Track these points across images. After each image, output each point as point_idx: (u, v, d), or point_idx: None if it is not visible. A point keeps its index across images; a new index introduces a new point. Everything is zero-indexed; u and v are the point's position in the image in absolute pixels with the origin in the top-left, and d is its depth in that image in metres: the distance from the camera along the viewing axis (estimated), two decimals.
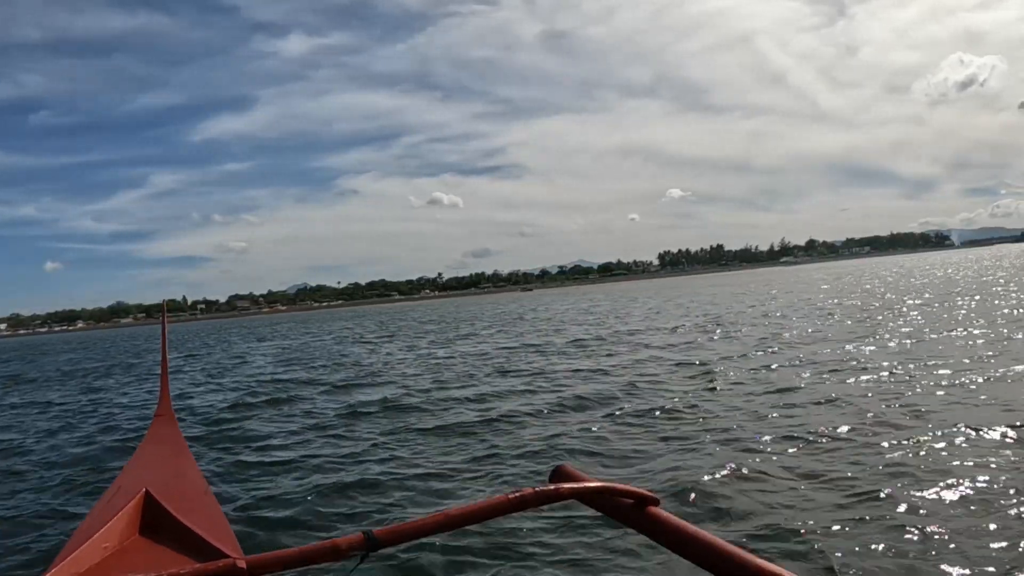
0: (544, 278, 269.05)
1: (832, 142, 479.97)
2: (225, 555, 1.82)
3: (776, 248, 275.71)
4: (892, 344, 11.62)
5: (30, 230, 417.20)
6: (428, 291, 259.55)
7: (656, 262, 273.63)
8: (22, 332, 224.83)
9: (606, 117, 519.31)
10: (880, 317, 16.95)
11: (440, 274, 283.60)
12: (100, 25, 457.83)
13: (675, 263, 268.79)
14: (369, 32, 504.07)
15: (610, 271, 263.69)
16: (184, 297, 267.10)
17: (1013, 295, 20.06)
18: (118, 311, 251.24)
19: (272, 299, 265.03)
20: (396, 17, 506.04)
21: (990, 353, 9.64)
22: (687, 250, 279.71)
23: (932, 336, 12.25)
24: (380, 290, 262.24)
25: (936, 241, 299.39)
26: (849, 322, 16.42)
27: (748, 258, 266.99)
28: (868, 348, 11.35)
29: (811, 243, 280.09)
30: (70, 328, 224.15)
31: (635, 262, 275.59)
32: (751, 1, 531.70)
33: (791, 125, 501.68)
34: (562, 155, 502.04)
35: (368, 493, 5.46)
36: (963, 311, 16.51)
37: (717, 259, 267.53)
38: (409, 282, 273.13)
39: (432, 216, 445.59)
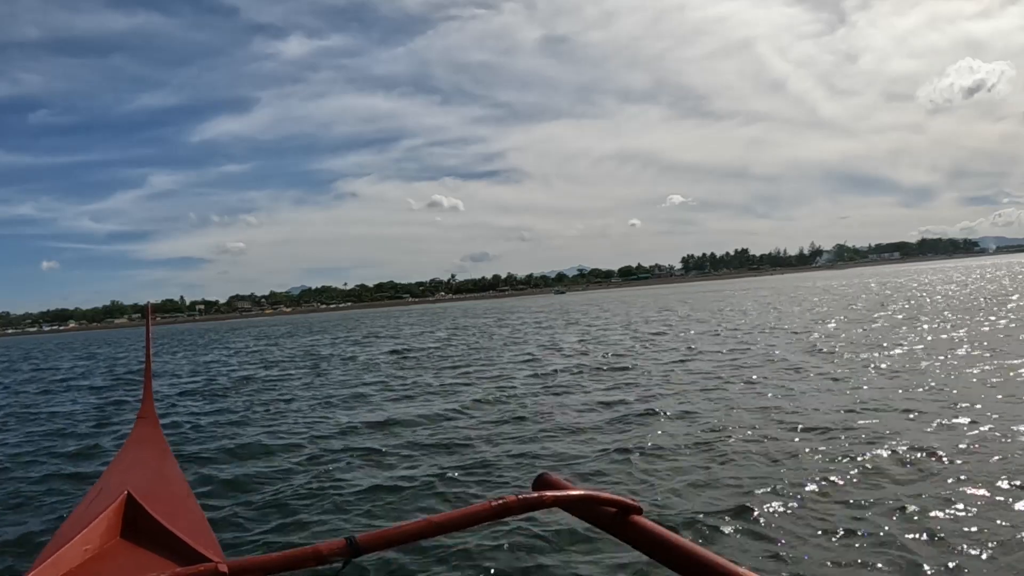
0: (563, 280, 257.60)
1: (831, 149, 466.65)
2: (207, 559, 1.81)
3: (806, 252, 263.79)
4: None
5: (28, 229, 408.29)
6: (443, 293, 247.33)
7: (679, 266, 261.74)
8: (10, 332, 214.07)
9: (605, 123, 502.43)
10: None
11: (453, 276, 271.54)
12: (99, 25, 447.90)
13: (699, 267, 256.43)
14: (368, 35, 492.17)
15: (631, 274, 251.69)
16: (182, 297, 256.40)
17: None
18: (112, 311, 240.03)
19: (275, 300, 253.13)
20: (396, 20, 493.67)
21: None
22: (712, 254, 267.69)
23: None
24: (390, 292, 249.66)
25: (965, 247, 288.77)
26: None
27: (778, 262, 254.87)
28: None
29: (841, 248, 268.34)
30: (61, 328, 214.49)
31: (657, 266, 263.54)
32: (751, 8, 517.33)
33: (790, 132, 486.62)
34: (561, 160, 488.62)
35: None
36: None
37: (745, 263, 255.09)
38: (420, 284, 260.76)
39: (431, 220, 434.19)
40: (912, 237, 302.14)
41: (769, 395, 9.26)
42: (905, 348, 12.97)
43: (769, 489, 5.22)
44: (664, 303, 48.75)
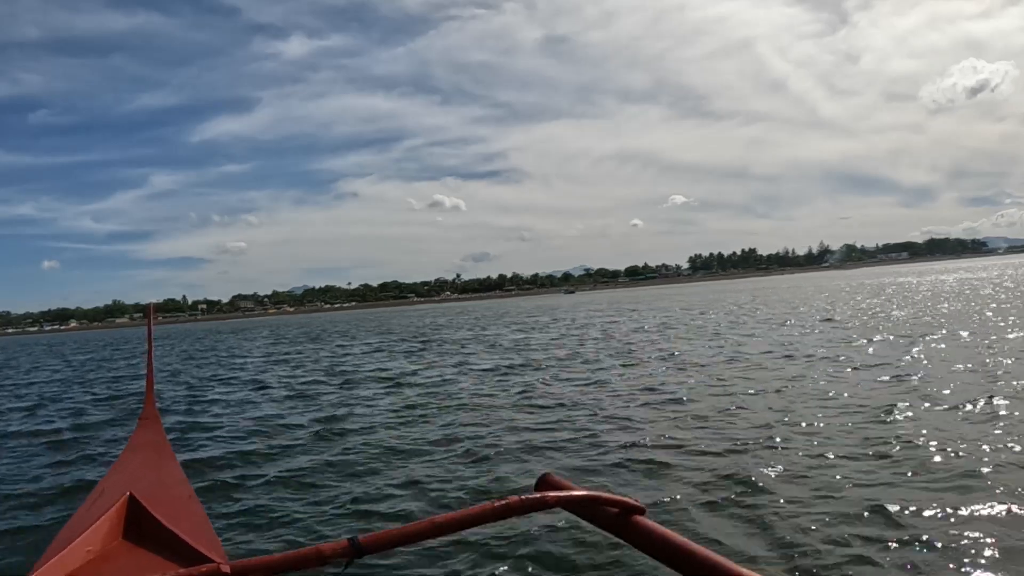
0: (569, 280, 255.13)
1: (831, 149, 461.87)
2: (209, 560, 1.81)
3: (814, 252, 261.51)
4: None
5: (28, 229, 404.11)
6: (448, 293, 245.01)
7: (686, 265, 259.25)
8: (11, 331, 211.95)
9: (605, 123, 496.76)
10: None
11: (458, 275, 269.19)
12: (99, 25, 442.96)
13: (706, 267, 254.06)
14: (369, 35, 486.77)
15: (638, 274, 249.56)
16: (184, 297, 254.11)
17: None
18: (113, 310, 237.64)
19: (278, 300, 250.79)
20: (396, 20, 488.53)
21: None
22: (719, 253, 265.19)
23: None
24: (394, 292, 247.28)
25: (974, 247, 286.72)
26: None
27: (786, 262, 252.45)
28: None
29: (849, 248, 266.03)
30: (62, 328, 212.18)
31: (664, 265, 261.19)
32: (751, 8, 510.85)
33: (790, 132, 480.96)
34: (561, 160, 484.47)
35: None
36: None
37: (752, 263, 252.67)
38: (425, 283, 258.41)
39: (432, 220, 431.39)
40: (914, 237, 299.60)
41: None
42: None
43: None
44: (714, 302, 45.40)
